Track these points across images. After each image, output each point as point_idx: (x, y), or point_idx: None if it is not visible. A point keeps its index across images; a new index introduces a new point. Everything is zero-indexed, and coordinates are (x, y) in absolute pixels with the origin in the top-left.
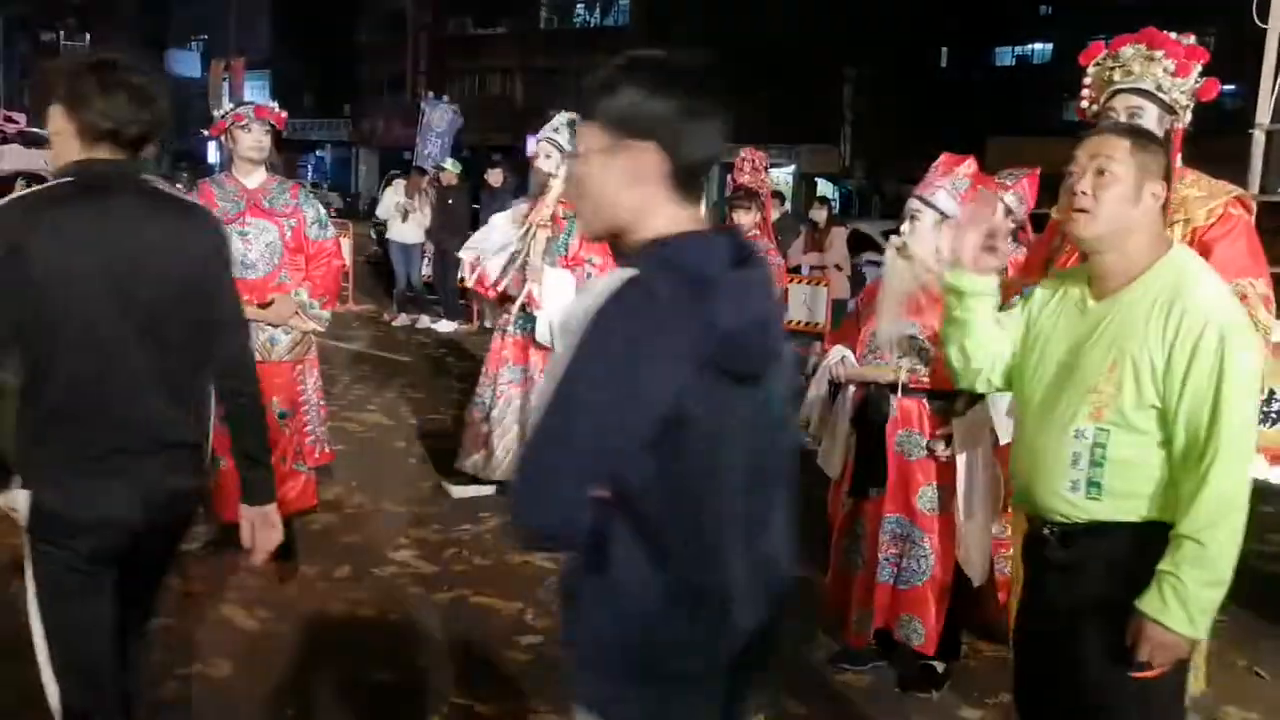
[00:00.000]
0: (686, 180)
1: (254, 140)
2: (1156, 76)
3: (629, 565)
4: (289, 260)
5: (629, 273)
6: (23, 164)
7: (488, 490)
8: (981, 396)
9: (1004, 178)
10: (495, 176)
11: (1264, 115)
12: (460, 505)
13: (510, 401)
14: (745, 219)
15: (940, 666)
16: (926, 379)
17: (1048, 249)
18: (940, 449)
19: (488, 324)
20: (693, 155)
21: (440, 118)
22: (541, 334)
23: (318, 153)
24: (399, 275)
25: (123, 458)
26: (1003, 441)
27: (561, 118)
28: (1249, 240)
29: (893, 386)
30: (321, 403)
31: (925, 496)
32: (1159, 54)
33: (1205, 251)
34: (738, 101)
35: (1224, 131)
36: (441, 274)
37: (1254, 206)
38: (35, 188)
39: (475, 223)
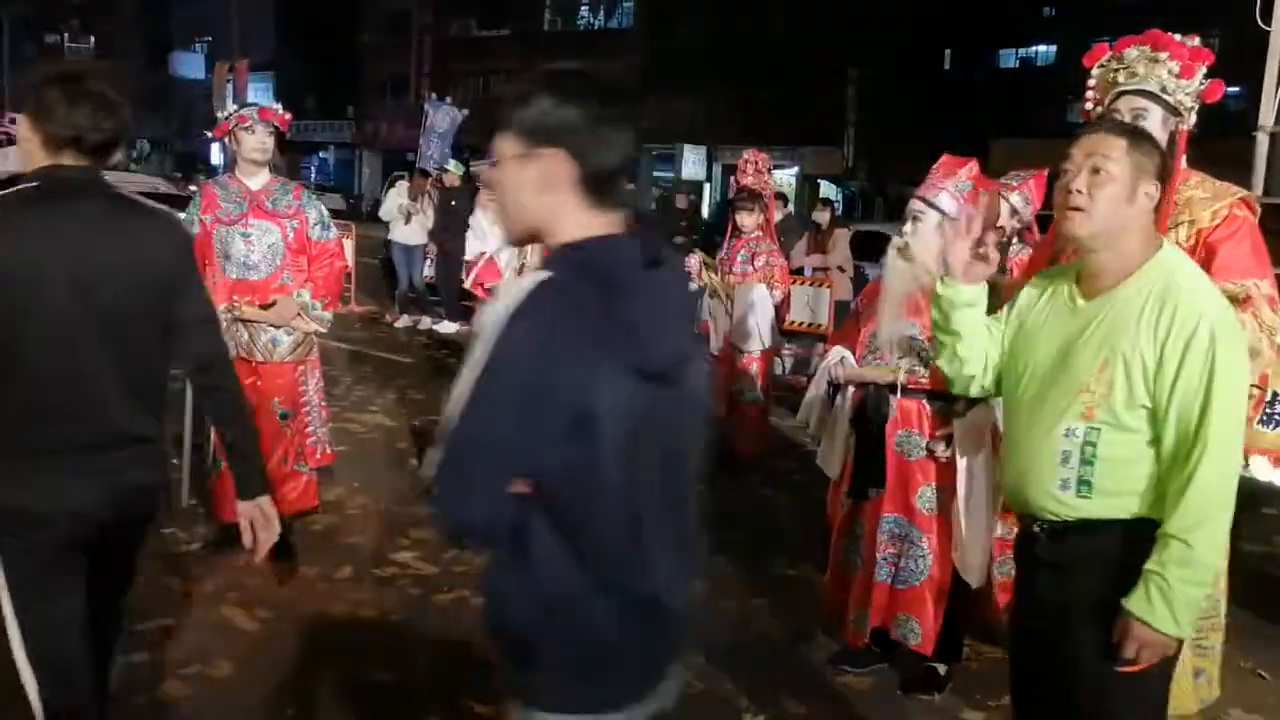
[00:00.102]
0: (597, 186)
1: (257, 142)
2: (1161, 78)
3: (549, 558)
4: (291, 261)
5: (543, 275)
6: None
7: None
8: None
9: (1011, 179)
10: None
11: (1267, 117)
12: None
13: None
14: (748, 220)
15: (942, 668)
16: (926, 380)
17: (1052, 250)
18: (940, 450)
19: None
20: (602, 163)
21: (443, 119)
22: None
23: (321, 154)
24: (401, 276)
25: (85, 453)
26: None
27: None
28: (1254, 241)
29: (892, 387)
30: (323, 404)
31: (924, 497)
32: (1163, 56)
33: (1210, 253)
34: (741, 103)
35: (1227, 134)
36: (444, 275)
37: (1258, 208)
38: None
39: None
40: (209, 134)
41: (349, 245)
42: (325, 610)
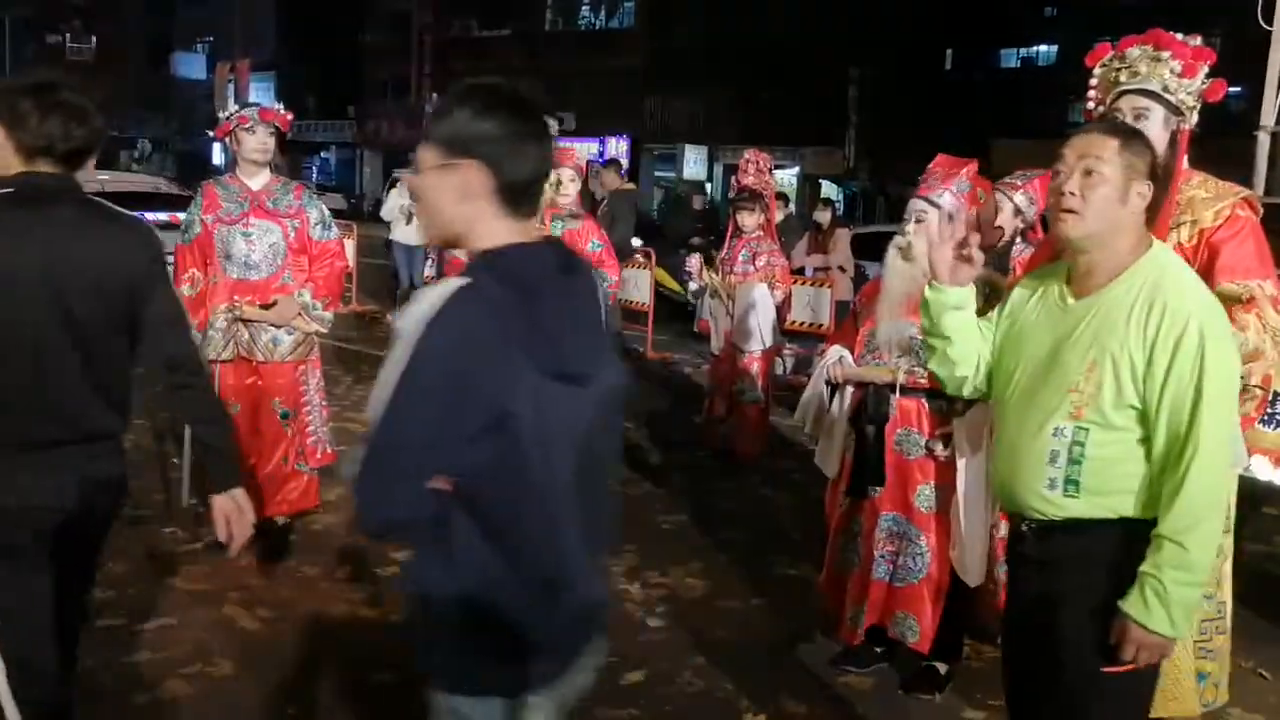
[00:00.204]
0: (512, 196)
1: (258, 142)
2: (1163, 77)
3: (469, 551)
4: (292, 261)
5: (460, 281)
6: None
7: None
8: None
9: (1016, 178)
10: None
11: (1269, 117)
12: None
13: None
14: (749, 220)
15: (943, 668)
16: (925, 379)
17: (1053, 249)
18: (939, 449)
19: None
20: (516, 174)
21: None
22: None
23: (322, 154)
24: (402, 276)
25: (55, 448)
26: None
27: None
28: (1257, 242)
29: (892, 387)
30: (324, 403)
31: (923, 495)
32: (1165, 55)
33: (1213, 253)
34: (742, 103)
35: (1229, 133)
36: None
37: (1260, 208)
38: None
39: None
40: (210, 134)
41: (350, 245)
42: (326, 610)
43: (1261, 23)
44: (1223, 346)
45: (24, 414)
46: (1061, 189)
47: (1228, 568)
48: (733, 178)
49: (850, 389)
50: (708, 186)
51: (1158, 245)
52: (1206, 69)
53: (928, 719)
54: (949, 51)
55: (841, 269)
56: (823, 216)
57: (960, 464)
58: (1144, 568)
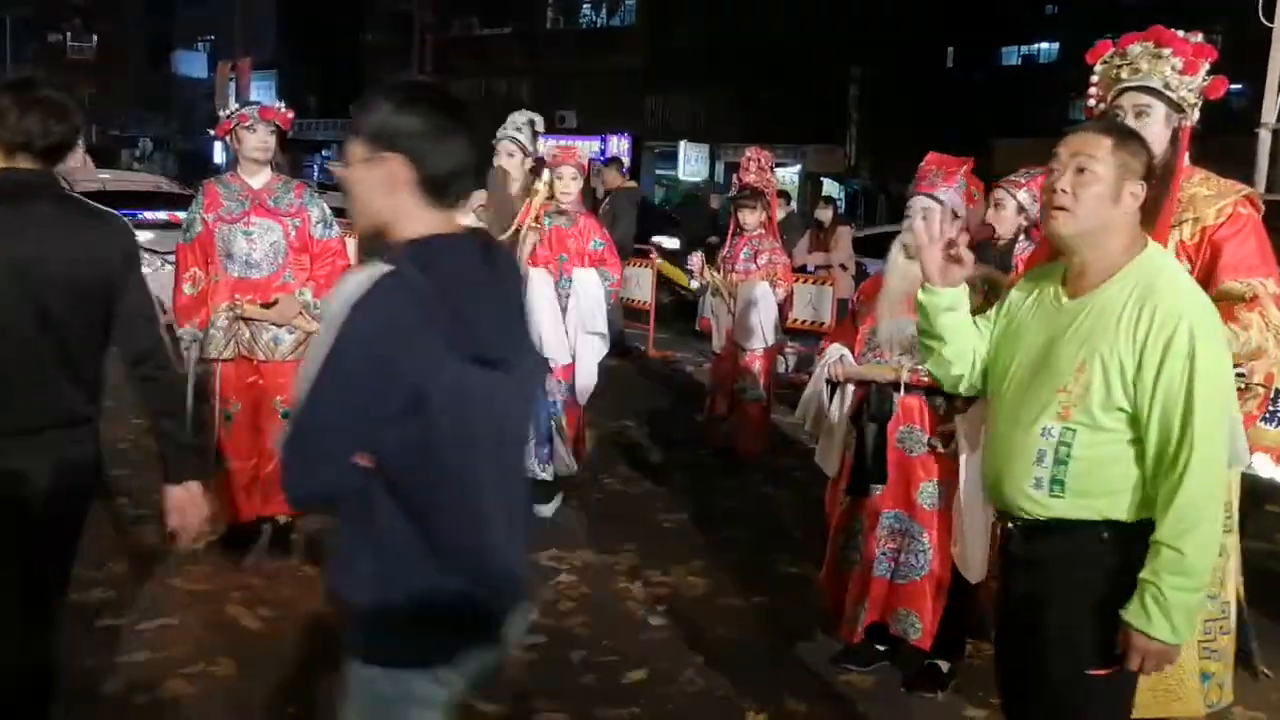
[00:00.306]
0: (435, 189)
1: (259, 140)
2: (1164, 74)
3: (392, 527)
4: (293, 260)
5: (385, 268)
6: None
7: None
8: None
9: (1020, 176)
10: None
11: (1270, 115)
12: None
13: None
14: (750, 218)
15: (945, 666)
16: (928, 377)
17: (1053, 247)
18: (941, 445)
19: None
20: (438, 167)
21: None
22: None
23: (324, 153)
24: None
25: (34, 434)
26: None
27: (522, 117)
28: (1259, 239)
29: (896, 385)
30: None
31: (926, 492)
32: (1167, 52)
33: (1216, 251)
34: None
35: (1230, 130)
36: None
37: (1262, 205)
38: None
39: None
40: (211, 132)
41: (351, 244)
42: (327, 609)
43: (1263, 20)
44: (1214, 348)
45: (5, 401)
46: (1053, 186)
47: (1231, 566)
48: (735, 175)
49: (851, 387)
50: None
51: (1152, 246)
52: (1208, 66)
53: (929, 717)
54: (950, 49)
55: (843, 267)
56: (824, 214)
57: (963, 460)
58: (1143, 575)
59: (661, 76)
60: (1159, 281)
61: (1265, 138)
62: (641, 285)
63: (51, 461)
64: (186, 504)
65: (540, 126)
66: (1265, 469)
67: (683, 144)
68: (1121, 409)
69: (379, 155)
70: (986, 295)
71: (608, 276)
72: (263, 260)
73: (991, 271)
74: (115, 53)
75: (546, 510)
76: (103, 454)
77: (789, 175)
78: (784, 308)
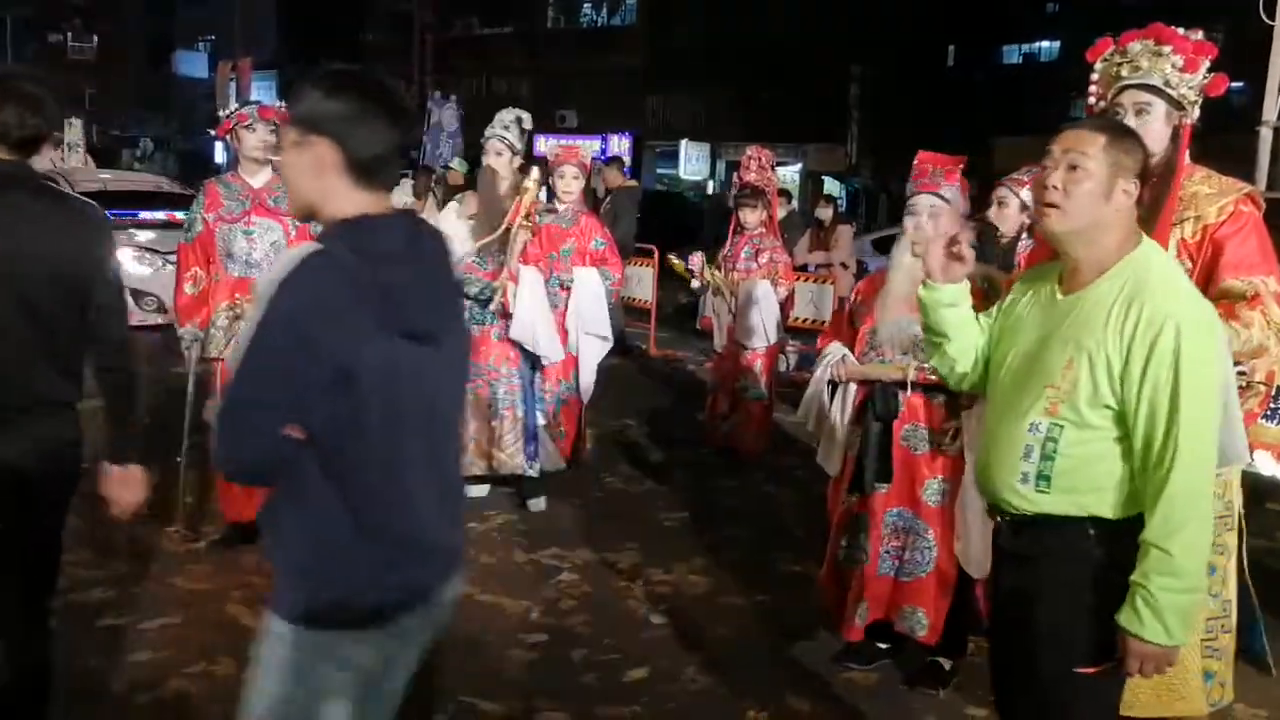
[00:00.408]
0: (363, 171)
1: (258, 140)
2: (1164, 72)
3: (321, 498)
4: None
5: (314, 247)
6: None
7: (482, 490)
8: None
9: (1022, 173)
10: None
11: (1270, 113)
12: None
13: (513, 396)
14: (751, 217)
15: (947, 663)
16: (935, 374)
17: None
18: (947, 442)
19: None
20: (363, 150)
21: (450, 117)
22: (520, 334)
23: None
24: None
25: (18, 415)
26: None
27: (509, 115)
28: (1260, 238)
29: (901, 384)
30: None
31: (931, 489)
32: (1167, 49)
33: (1217, 249)
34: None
35: (1230, 128)
36: None
37: (1263, 203)
38: None
39: None
40: (212, 132)
41: None
42: None
43: (1263, 17)
44: (1202, 347)
45: None
46: (1045, 183)
47: (1232, 564)
48: (735, 174)
49: (853, 387)
50: (710, 184)
51: (1146, 244)
52: (1208, 64)
53: (931, 715)
54: (950, 48)
55: (844, 265)
56: (825, 213)
57: (968, 456)
58: (1134, 577)
59: (662, 76)
60: (1150, 279)
61: (1266, 135)
62: (643, 284)
63: (33, 443)
64: (125, 482)
65: (528, 124)
66: (1266, 466)
67: (684, 143)
68: (1108, 406)
69: (307, 139)
70: (985, 294)
71: (609, 276)
72: (263, 260)
73: (990, 270)
74: (115, 53)
75: (537, 505)
76: (83, 438)
77: (790, 174)
78: (785, 306)
